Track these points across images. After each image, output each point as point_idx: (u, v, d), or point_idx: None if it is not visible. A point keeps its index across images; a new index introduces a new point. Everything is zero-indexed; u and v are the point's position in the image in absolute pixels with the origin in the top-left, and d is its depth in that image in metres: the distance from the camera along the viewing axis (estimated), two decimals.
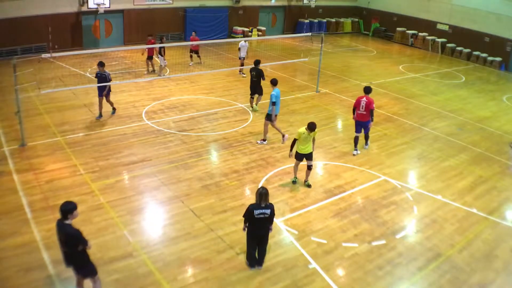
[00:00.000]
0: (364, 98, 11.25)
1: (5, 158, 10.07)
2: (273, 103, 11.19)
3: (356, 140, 11.55)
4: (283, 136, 11.58)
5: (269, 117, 11.46)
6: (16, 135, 11.10)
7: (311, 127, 9.13)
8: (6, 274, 6.56)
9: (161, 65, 17.34)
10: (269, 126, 11.67)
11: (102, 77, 12.36)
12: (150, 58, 17.66)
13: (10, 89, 13.29)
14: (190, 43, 19.14)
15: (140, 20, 22.89)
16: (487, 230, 8.58)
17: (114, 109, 13.23)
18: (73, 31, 20.91)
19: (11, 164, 9.83)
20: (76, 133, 11.70)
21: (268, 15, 28.86)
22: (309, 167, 9.62)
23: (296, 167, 9.78)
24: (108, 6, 20.99)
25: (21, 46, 19.12)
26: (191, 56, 19.65)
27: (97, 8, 20.60)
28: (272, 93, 11.22)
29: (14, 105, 10.99)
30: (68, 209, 5.51)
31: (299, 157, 9.55)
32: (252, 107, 14.30)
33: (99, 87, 12.49)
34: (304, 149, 9.38)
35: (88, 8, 20.53)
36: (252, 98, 14.24)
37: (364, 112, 11.23)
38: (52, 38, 19.93)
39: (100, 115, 12.81)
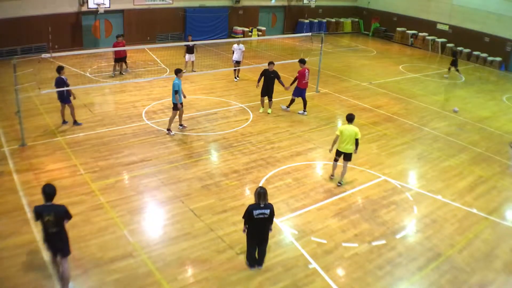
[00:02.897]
0: (306, 70, 13.77)
1: (5, 158, 10.07)
2: (176, 92, 11.42)
3: (293, 102, 14.12)
4: (168, 130, 11.99)
5: (174, 107, 11.68)
6: (16, 135, 11.10)
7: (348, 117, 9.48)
8: (6, 274, 6.56)
9: (193, 61, 18.16)
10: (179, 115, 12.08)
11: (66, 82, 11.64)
12: (121, 60, 17.01)
13: (10, 89, 13.29)
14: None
15: (140, 20, 22.89)
16: (487, 230, 8.58)
17: (66, 121, 12.25)
18: (73, 31, 20.91)
19: (11, 164, 9.83)
20: (76, 133, 11.70)
21: (268, 15, 28.86)
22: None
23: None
24: (108, 6, 20.98)
25: (21, 46, 19.13)
26: (114, 66, 17.14)
27: (97, 8, 20.59)
28: (174, 82, 11.49)
29: (14, 105, 10.99)
30: (54, 191, 6.02)
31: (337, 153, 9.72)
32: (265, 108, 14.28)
33: (67, 94, 11.74)
34: (343, 147, 9.48)
35: (88, 8, 20.52)
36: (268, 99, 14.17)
37: (307, 81, 13.83)
38: (52, 38, 19.92)
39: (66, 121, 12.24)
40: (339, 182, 9.81)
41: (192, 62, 18.23)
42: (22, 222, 7.78)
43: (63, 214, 6.03)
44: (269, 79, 13.71)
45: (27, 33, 19.13)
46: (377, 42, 29.52)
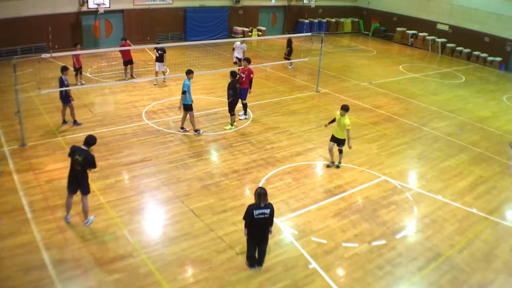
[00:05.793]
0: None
1: (5, 158, 10.07)
2: (184, 92, 11.49)
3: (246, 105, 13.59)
4: (196, 130, 12.06)
5: (186, 107, 11.75)
6: (16, 135, 11.10)
7: (343, 107, 10.06)
8: (6, 274, 6.57)
9: (163, 72, 16.50)
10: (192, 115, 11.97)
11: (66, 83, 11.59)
12: (128, 62, 16.41)
13: (10, 89, 13.28)
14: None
15: (140, 20, 22.89)
16: (487, 230, 8.58)
17: (66, 121, 12.26)
18: (73, 31, 20.89)
19: (11, 164, 9.83)
20: (76, 133, 11.70)
21: (268, 15, 28.86)
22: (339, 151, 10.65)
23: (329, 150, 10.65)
24: (108, 6, 20.97)
25: (21, 46, 19.12)
26: (76, 75, 15.45)
27: (97, 8, 20.59)
28: (184, 82, 11.61)
29: (14, 105, 10.99)
30: (94, 142, 7.50)
31: (331, 139, 10.51)
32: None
33: (65, 94, 11.68)
34: (337, 133, 10.34)
35: (88, 8, 20.51)
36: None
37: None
38: (52, 38, 19.91)
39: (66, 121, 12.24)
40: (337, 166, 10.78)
41: (163, 72, 16.34)
42: (22, 222, 7.78)
43: (90, 160, 7.36)
44: (228, 89, 12.27)
45: (27, 33, 19.12)
46: (377, 42, 29.52)
